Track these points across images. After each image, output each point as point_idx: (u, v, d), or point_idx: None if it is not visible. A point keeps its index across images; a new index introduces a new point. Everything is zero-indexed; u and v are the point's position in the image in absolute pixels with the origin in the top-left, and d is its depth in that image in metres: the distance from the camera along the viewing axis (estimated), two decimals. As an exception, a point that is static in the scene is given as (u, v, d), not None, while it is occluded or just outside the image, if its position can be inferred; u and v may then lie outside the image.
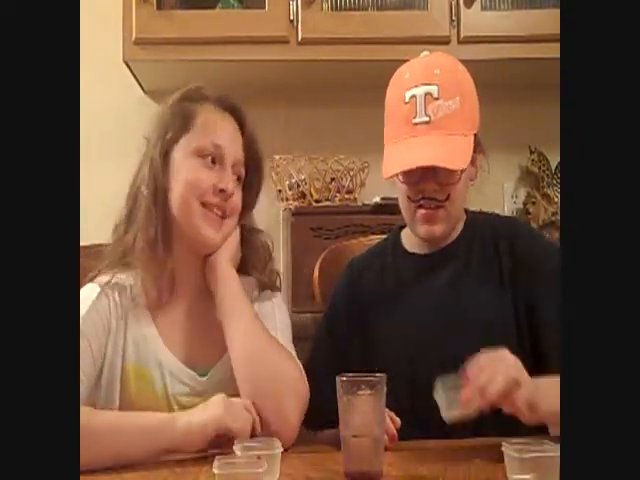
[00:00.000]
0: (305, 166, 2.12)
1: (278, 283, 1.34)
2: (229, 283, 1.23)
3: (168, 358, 1.21)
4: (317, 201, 2.10)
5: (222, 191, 1.22)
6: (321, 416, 1.16)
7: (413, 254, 1.38)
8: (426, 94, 1.25)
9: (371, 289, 1.38)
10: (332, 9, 2.13)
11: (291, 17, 2.07)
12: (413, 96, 1.26)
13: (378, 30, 2.10)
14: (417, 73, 1.29)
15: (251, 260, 1.30)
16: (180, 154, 1.23)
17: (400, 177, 1.30)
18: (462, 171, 1.28)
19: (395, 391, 1.06)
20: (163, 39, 2.05)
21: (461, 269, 1.32)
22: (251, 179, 1.29)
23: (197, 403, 1.15)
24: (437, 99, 1.24)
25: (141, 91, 2.33)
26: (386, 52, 2.09)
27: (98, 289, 1.22)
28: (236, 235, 1.28)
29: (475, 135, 1.30)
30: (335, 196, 2.11)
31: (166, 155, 1.23)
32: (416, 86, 1.26)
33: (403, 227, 1.42)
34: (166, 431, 1.06)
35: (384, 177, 1.28)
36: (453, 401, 1.03)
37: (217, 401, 1.09)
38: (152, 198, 1.21)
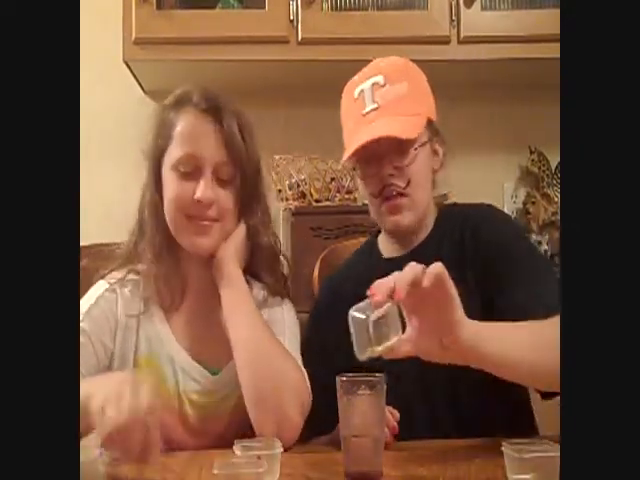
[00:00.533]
0: (305, 166, 2.12)
1: (287, 289, 1.32)
2: (234, 283, 1.23)
3: (181, 355, 1.22)
4: (317, 201, 2.10)
5: (199, 201, 1.20)
6: (308, 426, 1.16)
7: (386, 259, 1.34)
8: (373, 84, 1.25)
9: (350, 300, 1.21)
10: (332, 9, 2.13)
11: (291, 17, 2.07)
12: (361, 91, 1.27)
13: (378, 30, 2.10)
14: (363, 71, 1.30)
15: (256, 260, 1.29)
16: (165, 168, 1.24)
17: (359, 172, 1.29)
18: (416, 149, 1.25)
19: None
20: (163, 39, 2.06)
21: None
22: (240, 176, 1.24)
23: (208, 401, 1.20)
24: (384, 85, 1.25)
25: (141, 91, 2.33)
26: (386, 52, 2.07)
27: (106, 286, 1.24)
28: (240, 234, 1.26)
29: (431, 122, 1.29)
30: (335, 196, 2.11)
31: (158, 170, 1.25)
32: (363, 81, 1.27)
33: (379, 233, 1.38)
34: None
35: (341, 164, 1.26)
36: (367, 337, 0.95)
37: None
38: (153, 215, 1.24)
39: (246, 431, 1.13)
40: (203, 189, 1.20)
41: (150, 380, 0.93)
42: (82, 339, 1.15)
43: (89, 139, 2.02)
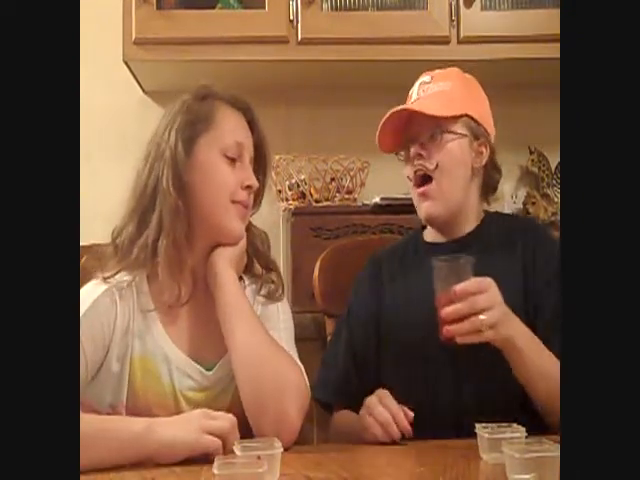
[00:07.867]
0: (305, 166, 2.12)
1: (281, 289, 1.32)
2: (228, 287, 1.22)
3: (175, 353, 1.21)
4: (317, 201, 2.10)
5: (248, 187, 1.25)
6: (335, 391, 1.18)
7: (432, 243, 1.42)
8: (420, 83, 1.40)
9: (391, 276, 1.42)
10: (332, 9, 2.12)
11: (291, 17, 2.07)
12: (411, 91, 1.41)
13: (378, 30, 2.09)
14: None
15: (251, 250, 1.31)
16: (203, 152, 1.24)
17: (401, 155, 1.39)
18: (444, 132, 1.33)
19: (408, 375, 1.14)
20: (163, 39, 2.05)
21: (476, 255, 1.34)
22: (259, 176, 1.31)
23: (203, 397, 1.20)
24: (429, 83, 1.38)
25: (141, 91, 2.33)
26: (386, 52, 2.09)
27: (103, 287, 1.20)
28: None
29: (476, 122, 1.36)
30: (335, 196, 2.11)
31: (187, 153, 1.23)
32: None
33: (425, 227, 1.46)
34: (139, 443, 1.03)
35: (377, 142, 1.38)
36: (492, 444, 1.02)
37: (193, 420, 1.05)
38: (178, 197, 1.20)
39: (244, 425, 1.13)
40: (251, 175, 1.27)
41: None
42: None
43: (89, 139, 2.02)
